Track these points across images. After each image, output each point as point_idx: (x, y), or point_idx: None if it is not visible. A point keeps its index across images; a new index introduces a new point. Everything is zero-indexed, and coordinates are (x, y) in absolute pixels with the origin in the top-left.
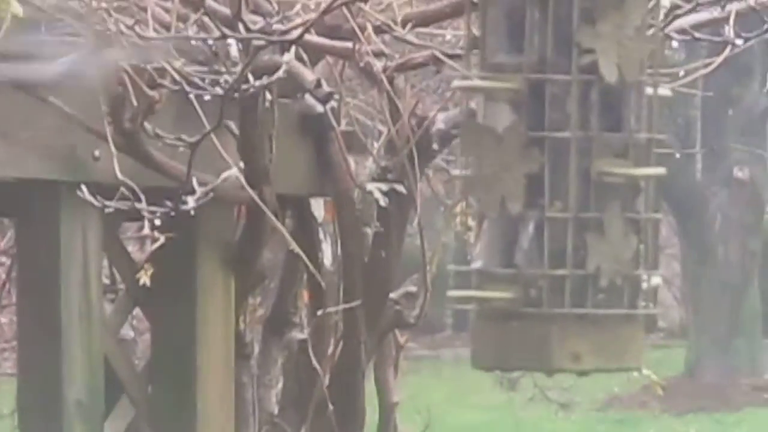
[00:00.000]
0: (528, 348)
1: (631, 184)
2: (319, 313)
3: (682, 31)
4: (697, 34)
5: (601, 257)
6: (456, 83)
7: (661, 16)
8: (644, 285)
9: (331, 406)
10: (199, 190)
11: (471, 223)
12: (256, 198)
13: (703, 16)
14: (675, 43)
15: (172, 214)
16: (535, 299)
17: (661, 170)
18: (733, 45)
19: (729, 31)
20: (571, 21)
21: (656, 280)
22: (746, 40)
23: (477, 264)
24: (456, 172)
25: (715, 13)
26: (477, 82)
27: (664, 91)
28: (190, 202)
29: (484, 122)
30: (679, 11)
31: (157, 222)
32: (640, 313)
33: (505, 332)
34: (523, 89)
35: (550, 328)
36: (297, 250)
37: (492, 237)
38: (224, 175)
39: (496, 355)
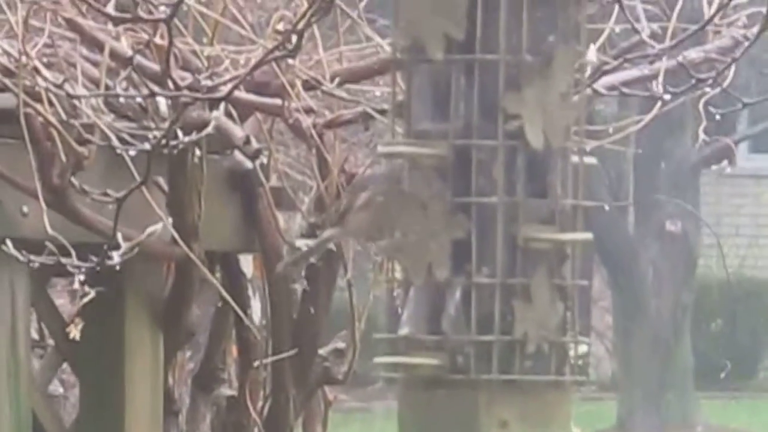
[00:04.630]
0: (455, 415)
1: (558, 250)
2: (255, 365)
3: (611, 88)
4: (625, 90)
5: (528, 323)
6: (381, 149)
7: (588, 72)
8: (571, 352)
9: None
10: (124, 246)
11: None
12: (189, 252)
13: (632, 73)
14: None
15: (98, 269)
16: (462, 366)
17: (587, 235)
18: (662, 100)
19: (657, 86)
20: (497, 87)
21: (583, 347)
22: (674, 95)
23: (404, 330)
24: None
25: (645, 70)
26: (402, 148)
27: (590, 159)
28: (116, 257)
29: (408, 189)
30: (607, 67)
31: (82, 278)
32: (567, 380)
33: (432, 399)
34: (448, 155)
35: (477, 395)
36: (230, 301)
37: (419, 303)
38: (149, 230)
39: (423, 423)
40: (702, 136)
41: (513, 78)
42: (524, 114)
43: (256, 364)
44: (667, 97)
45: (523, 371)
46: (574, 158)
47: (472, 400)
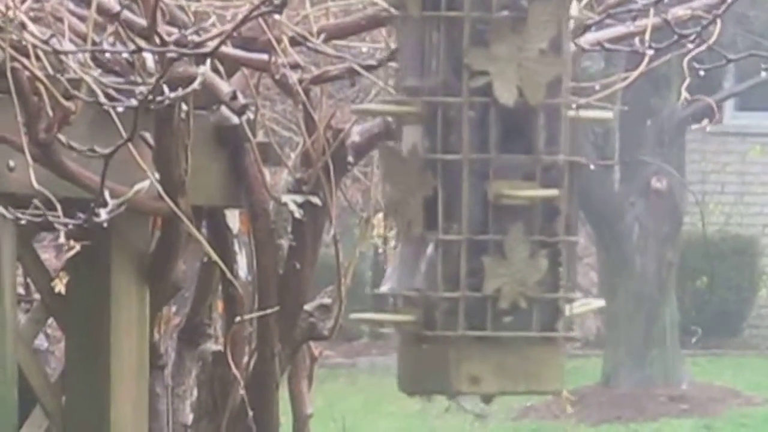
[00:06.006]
0: (432, 371)
1: (546, 206)
2: (237, 320)
3: (595, 44)
4: (607, 45)
5: (501, 280)
6: (354, 108)
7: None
8: (566, 309)
9: (249, 414)
10: (111, 202)
11: (388, 234)
12: (174, 207)
13: (618, 30)
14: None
15: (85, 225)
16: (435, 322)
17: (554, 192)
18: (644, 55)
19: (643, 42)
20: (461, 43)
21: (585, 302)
22: (658, 51)
23: (385, 286)
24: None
25: (631, 27)
26: (372, 107)
27: (606, 114)
28: (103, 214)
29: (399, 145)
30: (590, 22)
31: (70, 233)
32: (556, 336)
33: (418, 355)
34: (423, 112)
35: (447, 351)
36: (215, 258)
37: (401, 259)
38: (136, 187)
39: (413, 379)
40: (684, 94)
41: (479, 34)
42: (493, 70)
43: (241, 319)
44: (651, 52)
45: (497, 327)
46: (570, 113)
47: (443, 356)
